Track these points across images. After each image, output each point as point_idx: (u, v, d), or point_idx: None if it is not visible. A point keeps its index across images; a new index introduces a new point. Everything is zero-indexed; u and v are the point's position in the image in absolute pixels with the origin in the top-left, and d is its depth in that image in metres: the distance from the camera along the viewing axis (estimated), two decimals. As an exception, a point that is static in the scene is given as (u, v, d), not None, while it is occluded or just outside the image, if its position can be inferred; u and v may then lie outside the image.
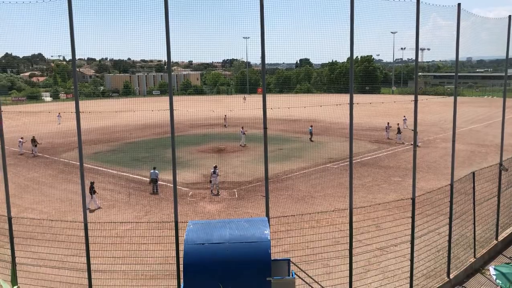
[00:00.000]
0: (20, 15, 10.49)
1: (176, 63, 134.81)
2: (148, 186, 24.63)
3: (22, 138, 36.70)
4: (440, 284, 13.37)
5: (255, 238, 9.19)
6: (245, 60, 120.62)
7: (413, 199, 12.40)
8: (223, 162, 30.92)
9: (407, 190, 20.44)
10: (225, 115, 51.70)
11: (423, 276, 13.51)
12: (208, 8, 10.75)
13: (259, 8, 10.07)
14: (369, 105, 51.83)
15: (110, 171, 29.66)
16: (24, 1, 9.99)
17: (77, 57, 10.22)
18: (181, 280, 9.67)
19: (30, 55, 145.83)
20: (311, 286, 11.79)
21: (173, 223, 11.02)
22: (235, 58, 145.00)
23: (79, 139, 10.58)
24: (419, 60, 15.63)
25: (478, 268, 15.00)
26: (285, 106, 37.30)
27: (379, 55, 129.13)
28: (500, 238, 16.61)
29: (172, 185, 11.10)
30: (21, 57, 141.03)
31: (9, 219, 11.29)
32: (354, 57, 15.95)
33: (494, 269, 10.45)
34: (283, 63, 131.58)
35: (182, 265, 9.02)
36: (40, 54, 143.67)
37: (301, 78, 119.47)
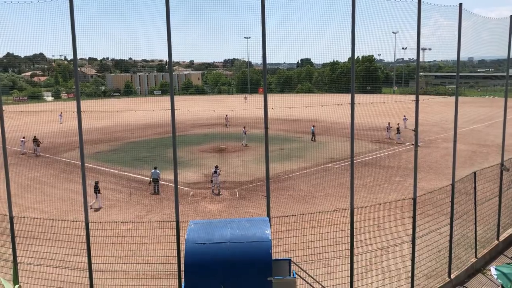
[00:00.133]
0: (21, 14, 10.51)
1: (177, 63, 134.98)
2: (149, 186, 24.59)
3: (23, 137, 36.77)
4: (441, 284, 13.36)
5: (256, 238, 9.19)
6: (247, 60, 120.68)
7: (414, 199, 12.39)
8: (224, 162, 30.94)
9: (408, 190, 20.44)
10: (226, 115, 51.74)
11: (424, 276, 13.50)
12: (209, 8, 10.76)
13: (260, 8, 10.08)
14: (370, 105, 51.73)
15: (112, 170, 29.70)
16: (25, 0, 10.01)
17: (78, 56, 10.25)
18: (182, 280, 9.69)
19: (32, 54, 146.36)
20: (312, 286, 11.78)
21: (174, 222, 11.02)
22: (237, 58, 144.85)
23: (81, 139, 10.61)
24: (421, 60, 15.67)
25: (479, 268, 14.98)
26: (286, 106, 37.34)
27: (380, 55, 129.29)
28: (502, 238, 16.59)
29: (173, 185, 11.11)
30: (22, 56, 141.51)
31: (11, 219, 11.32)
32: (356, 57, 15.95)
33: (496, 269, 10.42)
34: (284, 63, 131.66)
35: (183, 265, 9.03)
36: (41, 54, 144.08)
37: (302, 78, 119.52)
